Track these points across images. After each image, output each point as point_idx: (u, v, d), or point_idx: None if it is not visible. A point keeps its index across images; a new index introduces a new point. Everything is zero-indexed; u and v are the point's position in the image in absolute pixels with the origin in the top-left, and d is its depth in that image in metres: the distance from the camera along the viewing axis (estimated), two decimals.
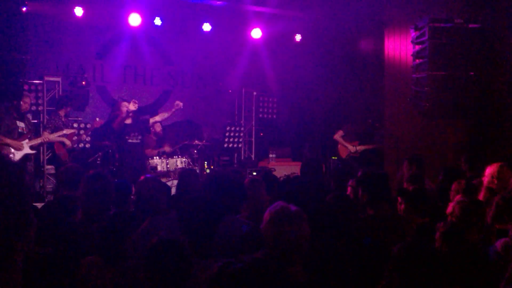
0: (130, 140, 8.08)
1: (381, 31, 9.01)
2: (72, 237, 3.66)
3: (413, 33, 7.17)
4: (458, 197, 3.89)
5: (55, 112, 8.54)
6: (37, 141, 7.60)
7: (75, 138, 8.60)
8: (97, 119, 8.84)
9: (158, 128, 9.51)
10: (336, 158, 10.07)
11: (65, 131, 8.01)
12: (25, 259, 3.16)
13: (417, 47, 7.07)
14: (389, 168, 8.71)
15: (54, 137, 7.95)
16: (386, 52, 8.83)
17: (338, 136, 9.76)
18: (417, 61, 7.09)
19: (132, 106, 7.92)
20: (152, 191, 3.93)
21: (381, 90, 9.13)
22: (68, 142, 8.13)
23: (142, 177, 4.28)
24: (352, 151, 9.69)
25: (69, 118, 9.06)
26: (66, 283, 3.26)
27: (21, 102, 7.63)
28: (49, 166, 9.39)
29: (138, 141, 8.23)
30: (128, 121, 8.09)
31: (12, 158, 7.19)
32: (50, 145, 8.38)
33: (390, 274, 2.49)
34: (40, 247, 3.43)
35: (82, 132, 8.83)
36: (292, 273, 2.38)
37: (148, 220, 3.75)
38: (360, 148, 9.64)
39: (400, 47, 8.33)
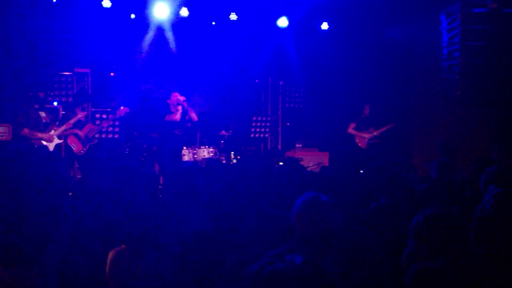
0: (175, 131, 8.25)
1: (411, 18, 8.82)
2: (101, 226, 3.70)
3: (444, 20, 6.99)
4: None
5: (72, 110, 8.52)
6: (61, 129, 7.72)
7: (94, 127, 8.61)
8: (122, 107, 8.90)
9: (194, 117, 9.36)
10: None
11: (65, 126, 8.04)
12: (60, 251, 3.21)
13: (449, 34, 6.89)
14: (417, 156, 8.59)
15: (59, 131, 7.97)
16: (416, 39, 8.65)
17: (351, 129, 10.12)
18: (449, 48, 6.92)
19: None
20: (194, 180, 3.90)
21: (411, 78, 8.96)
22: (81, 134, 8.21)
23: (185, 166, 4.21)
24: (369, 138, 9.99)
25: (93, 109, 9.16)
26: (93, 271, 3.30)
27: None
28: None
29: (181, 133, 8.38)
30: (178, 116, 8.25)
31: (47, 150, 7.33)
32: (64, 136, 8.48)
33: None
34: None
35: (105, 122, 8.84)
36: (324, 265, 2.33)
37: (182, 210, 3.74)
38: (376, 133, 9.94)
39: (431, 34, 8.12)
